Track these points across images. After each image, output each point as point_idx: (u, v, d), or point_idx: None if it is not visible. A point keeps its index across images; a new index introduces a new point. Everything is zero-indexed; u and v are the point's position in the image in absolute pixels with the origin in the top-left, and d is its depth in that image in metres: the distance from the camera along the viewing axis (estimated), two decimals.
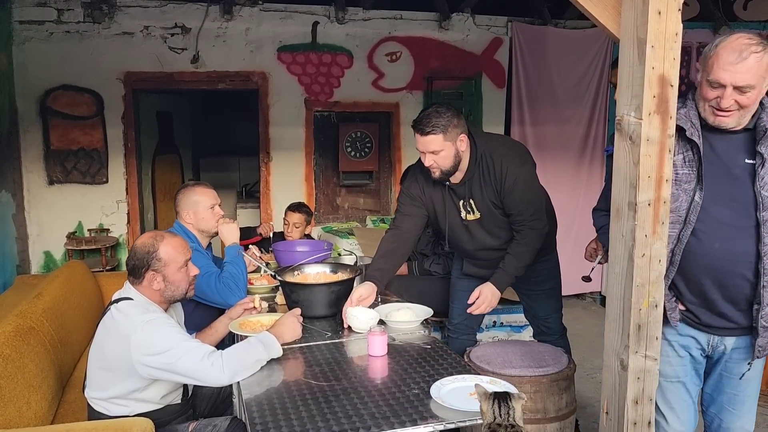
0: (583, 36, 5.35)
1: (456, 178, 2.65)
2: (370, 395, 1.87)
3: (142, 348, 1.96)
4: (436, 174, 2.60)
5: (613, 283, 1.83)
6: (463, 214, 2.70)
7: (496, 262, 2.69)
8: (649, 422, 1.81)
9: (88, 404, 2.15)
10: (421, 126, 2.53)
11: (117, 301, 2.11)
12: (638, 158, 1.70)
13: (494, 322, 3.98)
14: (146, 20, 4.68)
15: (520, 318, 3.74)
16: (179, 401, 2.23)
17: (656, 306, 1.78)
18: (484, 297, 2.62)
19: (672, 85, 1.69)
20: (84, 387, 2.18)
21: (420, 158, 2.64)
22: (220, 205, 2.88)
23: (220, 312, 2.64)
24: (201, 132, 7.75)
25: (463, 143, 2.57)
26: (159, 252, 2.14)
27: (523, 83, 5.31)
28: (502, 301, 3.93)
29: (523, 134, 5.30)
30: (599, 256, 2.49)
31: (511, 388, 1.78)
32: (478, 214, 2.68)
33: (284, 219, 3.91)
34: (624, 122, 1.75)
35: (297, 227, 3.83)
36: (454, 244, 2.85)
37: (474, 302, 2.64)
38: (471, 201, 2.67)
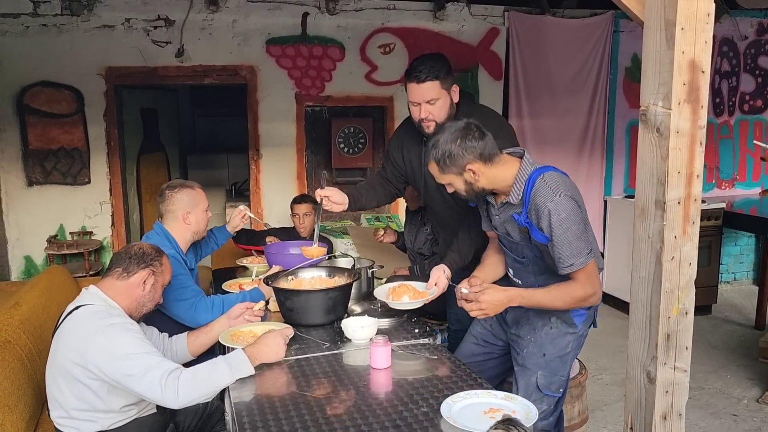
0: (581, 25, 5.20)
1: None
2: (374, 414, 1.71)
3: (102, 352, 1.83)
4: (431, 128, 2.40)
5: (638, 288, 1.69)
6: None
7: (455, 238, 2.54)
8: None
9: (56, 428, 2.00)
10: (416, 73, 2.33)
11: (75, 309, 1.96)
12: (667, 152, 1.55)
13: None
14: (127, 12, 4.47)
15: None
16: (154, 410, 2.08)
17: (686, 313, 1.63)
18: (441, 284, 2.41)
19: (703, 71, 1.54)
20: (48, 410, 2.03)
21: (405, 120, 2.54)
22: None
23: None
24: (188, 129, 7.55)
25: (456, 94, 2.42)
26: (163, 258, 2.15)
27: (521, 75, 5.16)
28: None
29: (521, 127, 5.15)
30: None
31: (530, 406, 1.62)
32: None
33: (292, 213, 3.83)
34: (650, 113, 1.60)
35: (307, 216, 3.76)
36: (430, 208, 2.72)
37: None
38: None
